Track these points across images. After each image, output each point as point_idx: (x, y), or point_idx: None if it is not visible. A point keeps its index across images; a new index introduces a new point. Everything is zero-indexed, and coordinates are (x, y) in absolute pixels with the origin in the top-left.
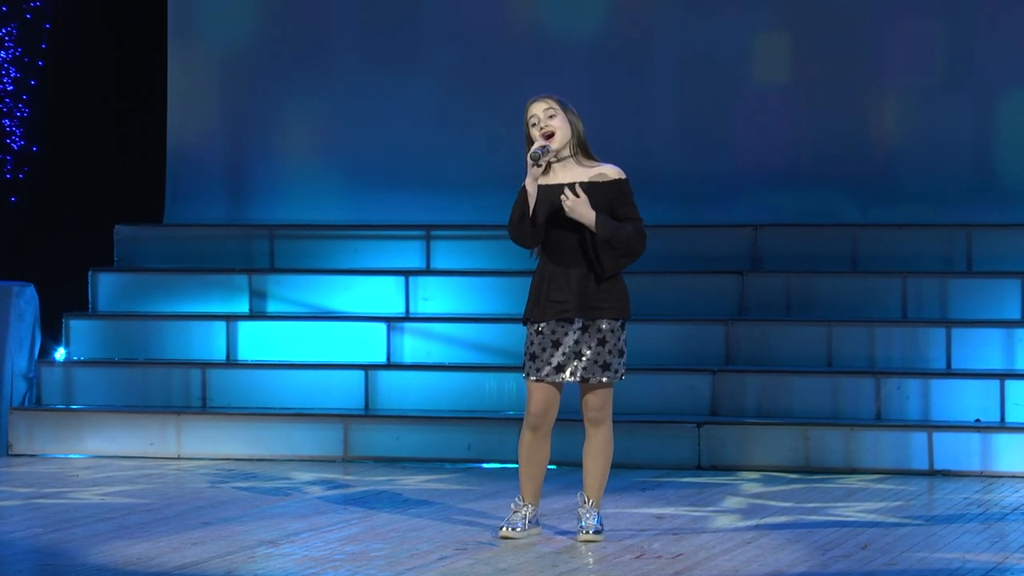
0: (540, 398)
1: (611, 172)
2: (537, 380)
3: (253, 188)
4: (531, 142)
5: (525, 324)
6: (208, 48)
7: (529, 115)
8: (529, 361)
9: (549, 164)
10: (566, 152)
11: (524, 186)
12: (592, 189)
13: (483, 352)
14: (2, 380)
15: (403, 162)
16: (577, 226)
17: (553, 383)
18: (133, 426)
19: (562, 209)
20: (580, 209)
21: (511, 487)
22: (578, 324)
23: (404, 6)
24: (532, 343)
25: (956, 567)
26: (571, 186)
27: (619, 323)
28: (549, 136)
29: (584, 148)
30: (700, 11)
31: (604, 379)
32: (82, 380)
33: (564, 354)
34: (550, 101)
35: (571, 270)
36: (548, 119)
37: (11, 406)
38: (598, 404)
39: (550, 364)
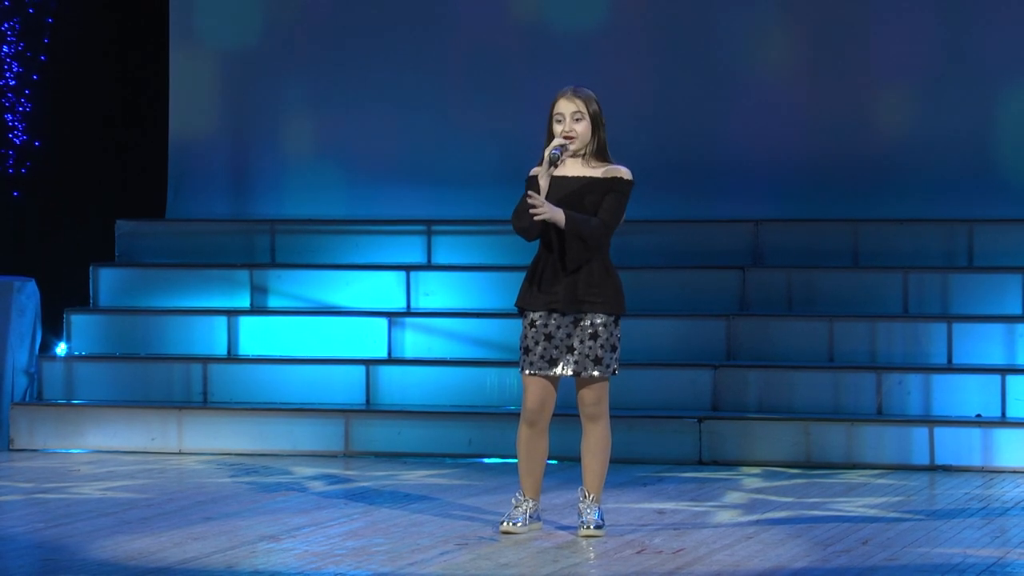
0: (535, 392)
1: (621, 171)
2: (531, 374)
3: (254, 183)
4: (551, 133)
5: (519, 312)
6: (210, 43)
7: (555, 109)
8: (523, 355)
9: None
10: (581, 150)
11: (535, 177)
12: (598, 183)
13: (484, 347)
14: (3, 375)
15: (404, 157)
16: None
17: (546, 377)
18: (134, 421)
19: (565, 203)
20: (552, 215)
21: (512, 482)
22: (570, 318)
23: (405, 2)
24: (526, 336)
25: (957, 562)
26: (605, 185)
27: (612, 318)
28: (570, 139)
29: (601, 149)
30: (702, 6)
31: (596, 373)
32: (83, 375)
33: (556, 348)
34: (579, 103)
35: (564, 264)
36: (574, 122)
37: (12, 401)
38: (593, 399)
39: (542, 358)
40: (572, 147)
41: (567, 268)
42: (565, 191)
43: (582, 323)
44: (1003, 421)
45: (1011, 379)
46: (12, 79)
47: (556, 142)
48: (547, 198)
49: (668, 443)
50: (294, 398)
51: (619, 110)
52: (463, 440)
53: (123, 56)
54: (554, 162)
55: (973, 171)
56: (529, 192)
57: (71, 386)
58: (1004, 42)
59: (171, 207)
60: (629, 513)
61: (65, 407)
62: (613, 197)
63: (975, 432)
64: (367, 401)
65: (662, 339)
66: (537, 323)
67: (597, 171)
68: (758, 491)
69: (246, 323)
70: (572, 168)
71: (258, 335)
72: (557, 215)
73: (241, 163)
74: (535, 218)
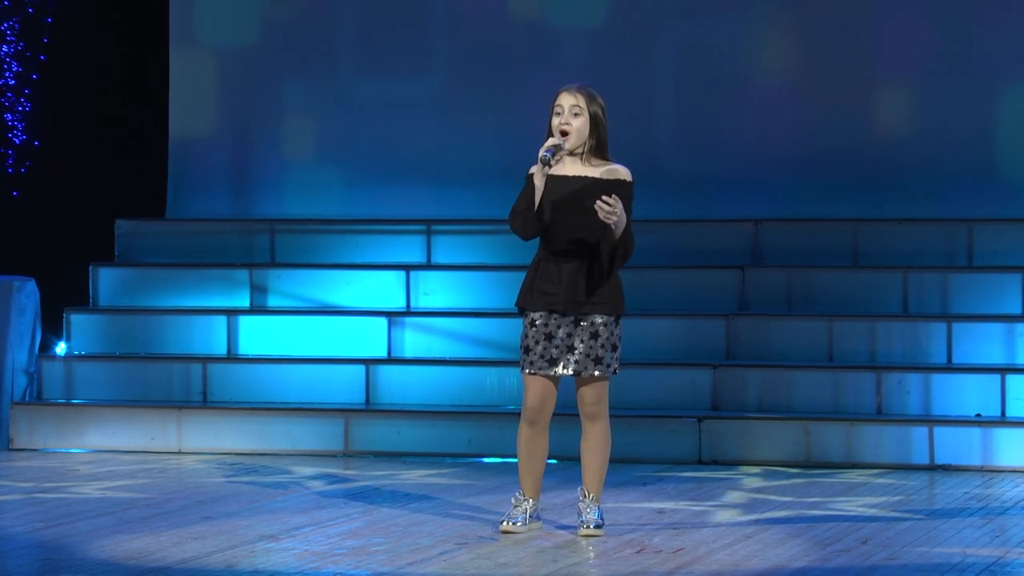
0: (535, 392)
1: (621, 172)
2: (531, 373)
3: (254, 183)
4: (551, 126)
5: (519, 312)
6: (210, 43)
7: (556, 102)
8: (523, 354)
9: (562, 155)
10: (579, 148)
11: (531, 176)
12: (599, 184)
13: (484, 347)
14: (3, 375)
15: (404, 157)
16: (577, 221)
17: (547, 376)
18: (134, 421)
19: (565, 203)
20: (617, 227)
21: (511, 482)
22: (570, 317)
23: (405, 0)
24: (526, 336)
25: (957, 562)
26: (606, 187)
27: (613, 318)
28: (564, 135)
29: (600, 147)
30: (701, 4)
31: (596, 373)
32: (83, 375)
33: (557, 347)
34: (580, 97)
35: (564, 264)
36: (572, 116)
37: (12, 401)
38: (593, 399)
39: (543, 357)
40: (567, 144)
41: (568, 268)
42: (564, 191)
43: (582, 323)
44: (1003, 421)
45: (1011, 378)
46: (12, 79)
47: (550, 142)
48: (544, 197)
49: (668, 443)
50: (294, 398)
51: (619, 109)
52: (463, 440)
53: (123, 56)
54: (546, 163)
55: (973, 171)
56: (605, 197)
57: (71, 386)
58: (1004, 42)
59: (171, 207)
60: (629, 512)
61: (65, 407)
62: (624, 205)
63: (975, 432)
64: (367, 401)
65: (662, 339)
66: (537, 323)
67: (597, 171)
68: (758, 491)
69: (246, 323)
70: (571, 167)
71: (258, 335)
72: (621, 225)
73: (241, 163)
74: (605, 219)
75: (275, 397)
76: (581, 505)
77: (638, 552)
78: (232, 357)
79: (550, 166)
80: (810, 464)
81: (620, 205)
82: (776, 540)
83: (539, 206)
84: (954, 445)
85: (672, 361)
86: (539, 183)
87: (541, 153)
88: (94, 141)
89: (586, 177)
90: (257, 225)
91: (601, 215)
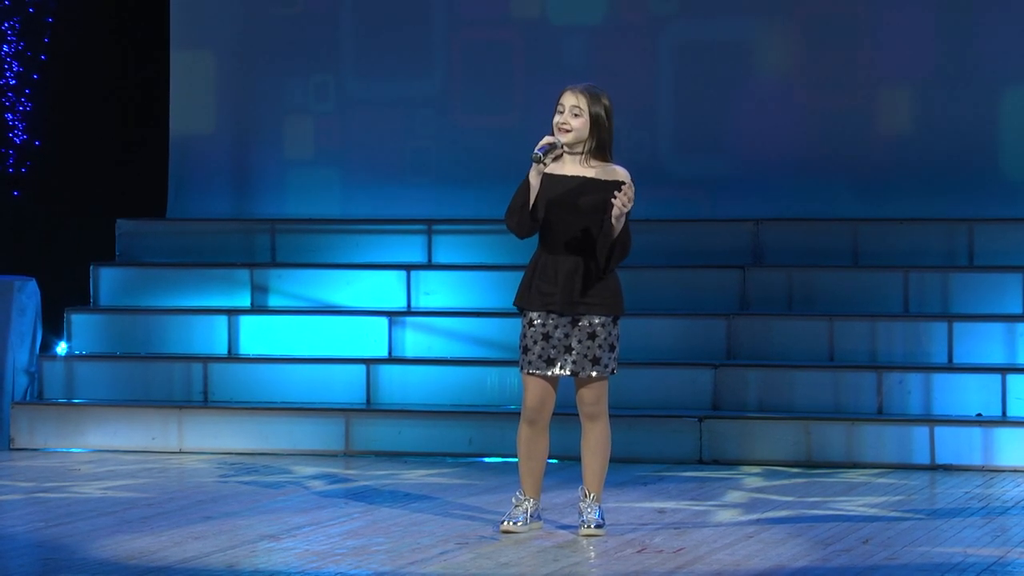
0: (535, 392)
1: (619, 172)
2: (530, 373)
3: (255, 183)
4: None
5: (518, 311)
6: (210, 43)
7: (559, 100)
8: (522, 354)
9: (560, 153)
10: (579, 148)
11: (528, 175)
12: (595, 184)
13: (484, 346)
14: (3, 375)
15: (404, 157)
16: (574, 221)
17: (545, 376)
18: (135, 420)
19: (561, 202)
20: (621, 219)
21: (512, 481)
22: (568, 318)
23: None
24: (525, 336)
25: (957, 561)
26: (603, 187)
27: (611, 318)
28: (562, 131)
29: (601, 149)
30: (701, 4)
31: (594, 373)
32: (84, 374)
33: (554, 347)
34: (581, 98)
35: (561, 264)
36: (572, 117)
37: (13, 401)
38: (592, 399)
39: (541, 357)
40: (564, 140)
41: (565, 268)
42: (560, 190)
43: (580, 323)
44: (1004, 420)
45: (1011, 378)
46: (12, 79)
47: (544, 140)
48: (540, 196)
49: (668, 442)
50: (294, 397)
51: (618, 109)
52: (463, 439)
53: (123, 56)
54: (538, 161)
55: (973, 171)
56: (618, 192)
57: (71, 385)
58: (1004, 42)
59: (172, 206)
60: (629, 512)
61: (66, 406)
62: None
63: (975, 431)
64: (367, 400)
65: (662, 338)
66: (536, 323)
67: (594, 171)
68: (758, 490)
69: (246, 322)
70: (569, 167)
71: (258, 334)
72: (621, 223)
73: (242, 162)
74: (622, 208)
75: (276, 397)
76: (582, 505)
77: (639, 552)
78: (233, 357)
79: (544, 164)
80: (811, 464)
81: (632, 192)
82: (777, 540)
83: (534, 204)
84: (955, 445)
85: (673, 361)
86: (534, 181)
87: (534, 151)
88: (95, 141)
89: (583, 177)
90: (258, 225)
91: (618, 204)
